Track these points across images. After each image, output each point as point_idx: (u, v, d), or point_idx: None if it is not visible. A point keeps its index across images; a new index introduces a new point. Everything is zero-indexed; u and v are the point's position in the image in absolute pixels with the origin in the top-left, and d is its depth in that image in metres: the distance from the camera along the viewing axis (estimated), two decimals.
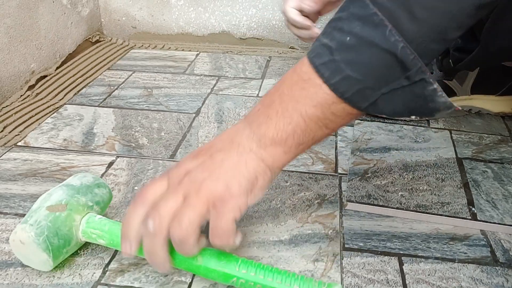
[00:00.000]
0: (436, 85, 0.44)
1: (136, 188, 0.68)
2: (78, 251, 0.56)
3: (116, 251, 0.56)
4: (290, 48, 1.27)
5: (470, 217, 0.62)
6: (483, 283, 0.53)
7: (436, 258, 0.57)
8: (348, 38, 0.43)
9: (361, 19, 0.42)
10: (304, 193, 0.68)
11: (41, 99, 0.96)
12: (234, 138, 0.49)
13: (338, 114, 0.46)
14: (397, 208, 0.64)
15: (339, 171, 0.73)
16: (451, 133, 0.82)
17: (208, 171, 0.47)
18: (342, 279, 0.54)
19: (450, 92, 0.85)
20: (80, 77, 1.05)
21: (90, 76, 1.06)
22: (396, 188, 0.67)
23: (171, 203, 0.45)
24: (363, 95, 0.44)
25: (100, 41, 1.27)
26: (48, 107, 0.92)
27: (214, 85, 1.01)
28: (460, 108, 0.49)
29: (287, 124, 0.46)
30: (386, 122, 0.85)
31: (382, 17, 0.41)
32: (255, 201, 0.48)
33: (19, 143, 0.79)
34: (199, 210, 0.45)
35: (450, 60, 0.81)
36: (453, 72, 0.83)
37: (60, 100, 0.95)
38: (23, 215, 0.62)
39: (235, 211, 0.45)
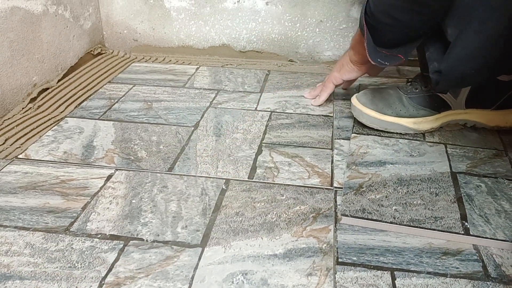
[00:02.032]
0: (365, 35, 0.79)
1: (133, 201, 0.69)
2: (75, 264, 0.57)
3: (112, 266, 0.57)
4: (289, 61, 1.29)
5: (463, 232, 0.63)
6: None
7: (429, 273, 0.57)
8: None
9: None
10: (300, 207, 0.69)
11: (43, 111, 0.97)
12: (348, 54, 0.94)
13: (359, 40, 0.86)
14: (391, 223, 0.64)
15: (335, 184, 0.74)
16: (446, 147, 0.83)
17: (335, 67, 0.98)
18: None
19: (445, 106, 0.85)
20: (81, 89, 1.07)
21: (91, 89, 1.07)
22: (390, 202, 0.68)
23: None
24: (362, 32, 0.82)
25: (102, 54, 1.29)
26: (49, 119, 0.93)
27: (213, 99, 1.03)
28: (402, 56, 0.79)
29: (353, 40, 0.90)
30: (382, 136, 0.86)
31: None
32: (346, 77, 0.96)
33: (20, 156, 0.80)
34: (327, 79, 1.00)
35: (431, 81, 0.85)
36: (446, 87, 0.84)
37: (61, 112, 0.96)
38: (23, 228, 0.63)
39: (331, 77, 0.97)
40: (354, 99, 0.88)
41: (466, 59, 0.69)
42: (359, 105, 0.86)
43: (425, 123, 0.86)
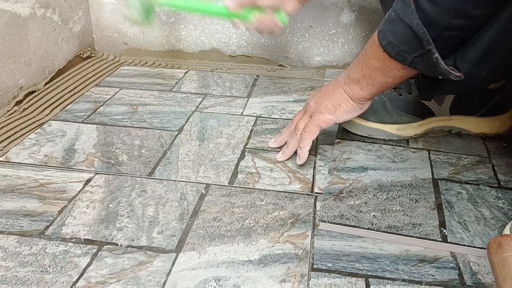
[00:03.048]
0: (437, 54, 0.59)
1: (111, 205, 0.68)
2: (47, 268, 0.57)
3: (84, 270, 0.57)
4: (279, 65, 1.28)
5: (440, 239, 0.62)
6: None
7: (403, 280, 0.57)
8: (392, 13, 0.61)
9: (403, 1, 0.58)
10: (278, 212, 0.68)
11: (28, 114, 0.97)
12: (337, 78, 0.75)
13: (391, 66, 0.65)
14: (368, 229, 0.64)
15: (316, 190, 0.74)
16: (429, 153, 0.83)
17: (316, 97, 0.77)
18: None
19: (429, 113, 0.85)
20: (68, 93, 1.07)
21: (78, 92, 1.07)
22: (369, 208, 0.68)
23: (297, 117, 0.80)
24: (402, 56, 0.62)
25: (91, 57, 1.29)
26: (33, 122, 0.93)
27: (200, 103, 1.02)
28: (460, 75, 0.62)
29: (360, 70, 0.69)
30: (366, 142, 0.86)
31: None
32: (341, 119, 0.76)
33: (0, 158, 0.80)
34: (304, 121, 0.78)
35: (418, 88, 0.84)
36: (430, 94, 0.83)
37: (46, 115, 0.96)
38: None
39: (320, 121, 0.75)
40: None
41: (484, 59, 0.62)
42: None
43: (409, 129, 0.85)
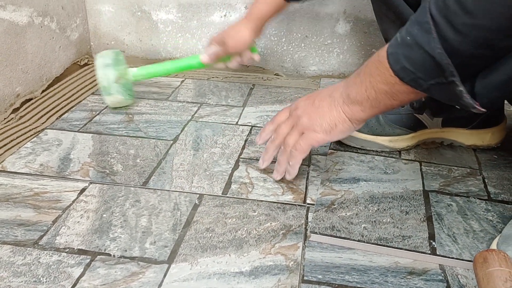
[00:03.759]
0: (462, 88, 0.56)
1: (104, 215, 0.69)
2: (41, 279, 0.57)
3: (77, 281, 0.57)
4: (275, 75, 1.29)
5: (429, 251, 0.63)
6: None
7: None
8: (408, 37, 0.57)
9: (419, 24, 0.55)
10: (271, 223, 0.69)
11: (24, 122, 0.98)
12: (332, 93, 0.69)
13: (402, 91, 0.60)
14: (359, 241, 0.65)
15: (308, 201, 0.74)
16: (421, 165, 0.84)
17: (307, 111, 0.70)
18: None
19: (421, 125, 0.86)
20: (64, 101, 1.08)
21: (74, 100, 1.08)
22: (360, 220, 0.69)
23: (283, 128, 0.74)
24: (417, 82, 0.58)
25: (89, 64, 1.30)
26: (30, 131, 0.94)
27: (195, 112, 1.03)
28: (481, 109, 0.58)
29: (364, 91, 0.64)
30: (358, 153, 0.87)
31: (432, 26, 0.53)
32: (335, 139, 0.71)
33: None
34: (294, 137, 0.71)
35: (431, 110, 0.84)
36: (422, 107, 0.84)
37: (42, 123, 0.97)
38: None
39: (312, 140, 0.70)
40: None
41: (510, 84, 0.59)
42: None
43: (401, 141, 0.86)
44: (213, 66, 1.04)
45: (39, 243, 0.63)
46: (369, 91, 0.63)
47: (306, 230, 0.68)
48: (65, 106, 1.05)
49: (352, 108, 0.66)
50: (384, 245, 0.64)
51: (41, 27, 1.10)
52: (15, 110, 1.02)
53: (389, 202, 0.73)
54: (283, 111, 0.76)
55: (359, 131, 0.86)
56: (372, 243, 0.64)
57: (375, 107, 0.64)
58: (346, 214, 0.70)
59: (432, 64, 0.55)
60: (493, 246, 0.61)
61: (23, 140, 0.90)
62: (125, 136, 0.92)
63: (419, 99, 0.84)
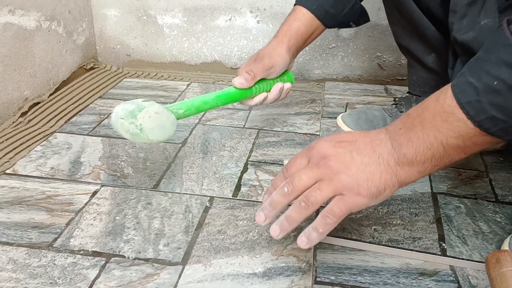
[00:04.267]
0: None
1: (117, 218, 0.70)
2: (57, 280, 0.58)
3: (93, 283, 0.58)
4: None
5: (440, 253, 0.64)
6: None
7: None
8: (495, 82, 0.47)
9: (509, 66, 0.46)
10: None
11: (33, 126, 0.98)
12: (376, 147, 0.55)
13: (479, 143, 0.51)
14: (370, 242, 0.66)
15: None
16: None
17: (345, 165, 0.54)
18: None
19: None
20: (72, 104, 1.08)
21: (82, 103, 1.09)
22: (370, 222, 0.69)
23: (305, 179, 0.55)
24: (507, 131, 0.49)
25: (95, 68, 1.30)
26: (39, 134, 0.94)
27: (203, 116, 1.04)
28: None
29: (427, 150, 0.52)
30: None
31: None
32: (375, 205, 0.57)
33: (8, 171, 0.81)
34: (326, 195, 0.54)
35: None
36: None
37: (51, 127, 0.98)
38: (7, 243, 0.64)
39: (354, 205, 0.54)
40: (339, 120, 0.90)
41: None
42: (344, 127, 0.88)
43: None
44: (250, 99, 0.86)
45: (54, 245, 0.64)
46: (435, 149, 0.51)
47: None
48: (73, 109, 1.06)
49: (408, 171, 0.53)
50: (395, 247, 0.65)
51: (49, 31, 1.11)
52: (24, 113, 1.03)
53: (398, 204, 0.74)
54: (300, 157, 0.58)
55: None
56: (383, 245, 0.65)
57: (440, 165, 0.53)
58: (356, 216, 0.71)
59: None
60: (505, 246, 0.61)
61: (32, 143, 0.91)
62: None
63: None
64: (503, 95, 0.47)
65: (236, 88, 0.82)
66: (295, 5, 0.88)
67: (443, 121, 0.50)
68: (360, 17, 0.90)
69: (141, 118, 0.68)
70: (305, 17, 0.86)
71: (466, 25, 0.68)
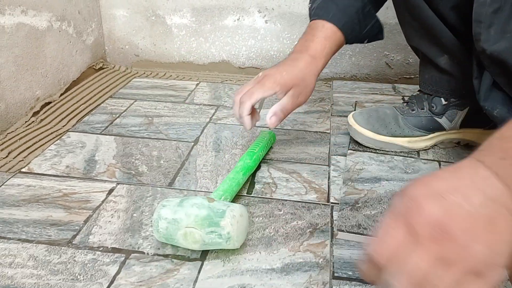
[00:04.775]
0: None
1: (135, 215, 0.70)
2: (78, 277, 0.59)
3: (114, 278, 0.59)
4: None
5: None
6: None
7: None
8: None
9: None
10: (297, 222, 0.70)
11: (45, 125, 0.99)
12: (485, 190, 0.37)
13: None
14: None
15: (331, 200, 0.76)
16: (440, 164, 0.85)
17: (475, 231, 0.36)
18: None
19: (440, 128, 0.87)
20: (83, 104, 1.09)
21: (93, 103, 1.10)
22: None
23: (419, 263, 0.36)
24: None
25: (104, 68, 1.31)
26: (52, 133, 0.95)
27: (213, 114, 1.05)
28: None
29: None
30: (377, 153, 0.88)
31: None
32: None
33: (23, 169, 0.82)
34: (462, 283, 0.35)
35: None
36: (442, 112, 0.86)
37: (63, 126, 0.98)
38: (26, 240, 0.64)
39: (495, 283, 0.35)
40: (350, 119, 0.90)
41: None
42: (355, 125, 0.88)
43: (420, 142, 0.88)
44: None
45: (73, 242, 0.65)
46: None
47: (333, 228, 0.70)
48: (84, 109, 1.06)
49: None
50: None
51: (59, 31, 1.12)
52: (35, 113, 1.04)
53: None
54: (392, 226, 0.39)
55: (377, 133, 0.87)
56: None
57: None
58: (371, 212, 0.72)
59: None
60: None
61: (46, 142, 0.92)
62: (146, 138, 0.93)
63: (439, 103, 0.85)
64: None
65: (254, 152, 0.81)
66: (318, 18, 0.83)
67: None
68: (377, 33, 0.88)
69: (228, 226, 0.59)
70: (335, 36, 0.81)
71: (494, 35, 0.65)
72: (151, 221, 0.69)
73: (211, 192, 0.76)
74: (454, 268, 0.35)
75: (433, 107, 0.86)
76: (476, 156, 0.40)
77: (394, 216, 0.39)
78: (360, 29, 0.85)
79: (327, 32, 0.82)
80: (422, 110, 0.87)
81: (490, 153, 0.40)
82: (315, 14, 0.85)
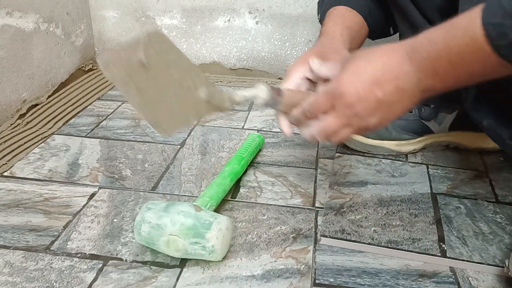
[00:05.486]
0: None
1: (115, 220, 0.69)
2: (54, 284, 0.58)
3: (90, 286, 0.58)
4: (278, 78, 1.30)
5: (439, 254, 0.63)
6: None
7: None
8: None
9: None
10: (280, 227, 0.69)
11: (31, 128, 0.98)
12: (399, 83, 0.53)
13: (502, 70, 0.48)
14: (369, 244, 0.65)
15: (317, 204, 0.75)
16: (428, 167, 0.84)
17: (374, 110, 0.55)
18: None
19: (428, 131, 0.86)
20: (70, 106, 1.08)
21: (80, 105, 1.08)
22: (370, 223, 0.69)
23: (333, 126, 0.58)
24: None
25: (93, 70, 1.30)
26: (37, 136, 0.94)
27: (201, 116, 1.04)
28: None
29: (454, 82, 0.51)
30: (365, 156, 0.87)
31: None
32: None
33: (5, 173, 0.80)
34: (346, 131, 0.58)
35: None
36: (431, 116, 0.85)
37: (49, 129, 0.97)
38: (4, 247, 0.63)
39: (370, 131, 0.59)
40: None
41: None
42: None
43: (408, 145, 0.87)
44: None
45: (51, 248, 0.64)
46: (463, 79, 0.51)
47: (316, 233, 0.68)
48: (71, 111, 1.05)
49: (430, 93, 0.54)
50: (394, 248, 0.64)
51: (47, 33, 1.11)
52: (22, 115, 1.02)
53: (398, 205, 0.73)
54: (322, 100, 0.58)
55: (365, 136, 0.86)
56: (383, 246, 0.65)
57: (461, 86, 0.53)
58: (355, 217, 0.70)
59: None
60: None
61: (30, 145, 0.90)
62: (132, 141, 0.92)
63: (428, 107, 0.84)
64: None
65: (240, 163, 0.79)
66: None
67: (465, 46, 0.47)
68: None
69: (213, 239, 0.58)
70: (351, 15, 0.79)
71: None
72: (132, 225, 0.68)
73: (195, 196, 0.76)
74: (352, 129, 0.57)
75: (422, 111, 0.85)
76: (409, 50, 0.52)
77: (327, 93, 0.57)
78: (379, 14, 0.81)
79: (341, 12, 0.77)
80: (411, 114, 0.85)
81: (420, 52, 0.51)
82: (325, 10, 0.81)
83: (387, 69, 0.53)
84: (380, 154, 0.87)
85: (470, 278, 0.61)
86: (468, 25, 0.47)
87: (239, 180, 0.80)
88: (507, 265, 0.59)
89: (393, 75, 0.53)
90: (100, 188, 0.77)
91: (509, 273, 0.58)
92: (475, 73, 0.50)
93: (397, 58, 0.53)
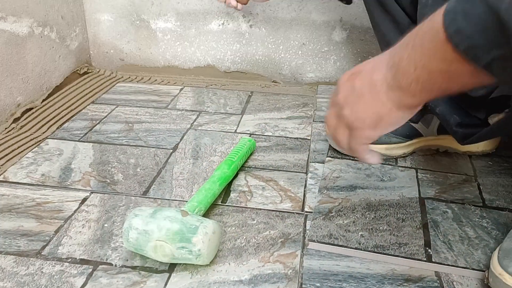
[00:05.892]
0: None
1: (106, 225, 0.70)
2: None
3: None
4: (273, 82, 1.31)
5: (425, 259, 0.64)
6: None
7: None
8: None
9: None
10: (269, 232, 0.70)
11: (25, 132, 0.99)
12: (372, 75, 0.52)
13: (460, 71, 0.43)
14: (356, 248, 0.66)
15: (306, 209, 0.76)
16: (417, 172, 0.85)
17: (348, 100, 0.55)
18: None
19: (417, 134, 0.87)
20: (64, 110, 1.09)
21: (75, 109, 1.09)
22: (357, 228, 0.70)
23: (331, 119, 0.58)
24: (474, 53, 0.40)
25: (88, 73, 1.31)
26: (31, 140, 0.95)
27: (194, 120, 1.05)
28: None
29: (412, 71, 0.46)
30: (355, 160, 0.88)
31: None
32: (389, 131, 0.54)
33: None
34: (343, 132, 0.57)
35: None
36: (418, 117, 0.86)
37: (43, 133, 0.98)
38: None
39: (361, 139, 0.55)
40: None
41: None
42: None
43: (398, 149, 0.87)
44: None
45: (42, 253, 0.64)
46: (419, 71, 0.46)
47: (304, 238, 0.69)
48: (65, 115, 1.06)
49: (399, 95, 0.49)
50: (381, 253, 0.65)
51: (41, 37, 1.11)
52: (16, 119, 1.03)
53: (386, 209, 0.74)
54: (331, 98, 0.58)
55: None
56: (369, 251, 0.65)
57: (428, 91, 0.47)
58: (343, 222, 0.71)
59: (496, 26, 0.37)
60: (494, 261, 0.60)
61: (24, 150, 0.91)
62: (125, 145, 0.93)
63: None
64: (472, 2, 0.39)
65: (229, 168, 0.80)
66: None
67: (429, 37, 0.44)
68: None
69: (199, 243, 0.58)
70: None
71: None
72: (122, 230, 0.68)
73: (186, 201, 0.76)
74: (342, 122, 0.56)
75: None
76: (392, 50, 0.50)
77: (334, 93, 0.58)
78: None
79: None
80: None
81: (396, 46, 0.50)
82: None
83: (371, 62, 0.54)
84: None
85: (454, 283, 0.62)
86: (434, 15, 0.44)
87: (229, 185, 0.81)
88: (486, 276, 0.60)
89: (371, 67, 0.53)
90: (92, 192, 0.78)
91: (489, 284, 0.59)
92: (434, 70, 0.45)
93: (385, 55, 0.52)
